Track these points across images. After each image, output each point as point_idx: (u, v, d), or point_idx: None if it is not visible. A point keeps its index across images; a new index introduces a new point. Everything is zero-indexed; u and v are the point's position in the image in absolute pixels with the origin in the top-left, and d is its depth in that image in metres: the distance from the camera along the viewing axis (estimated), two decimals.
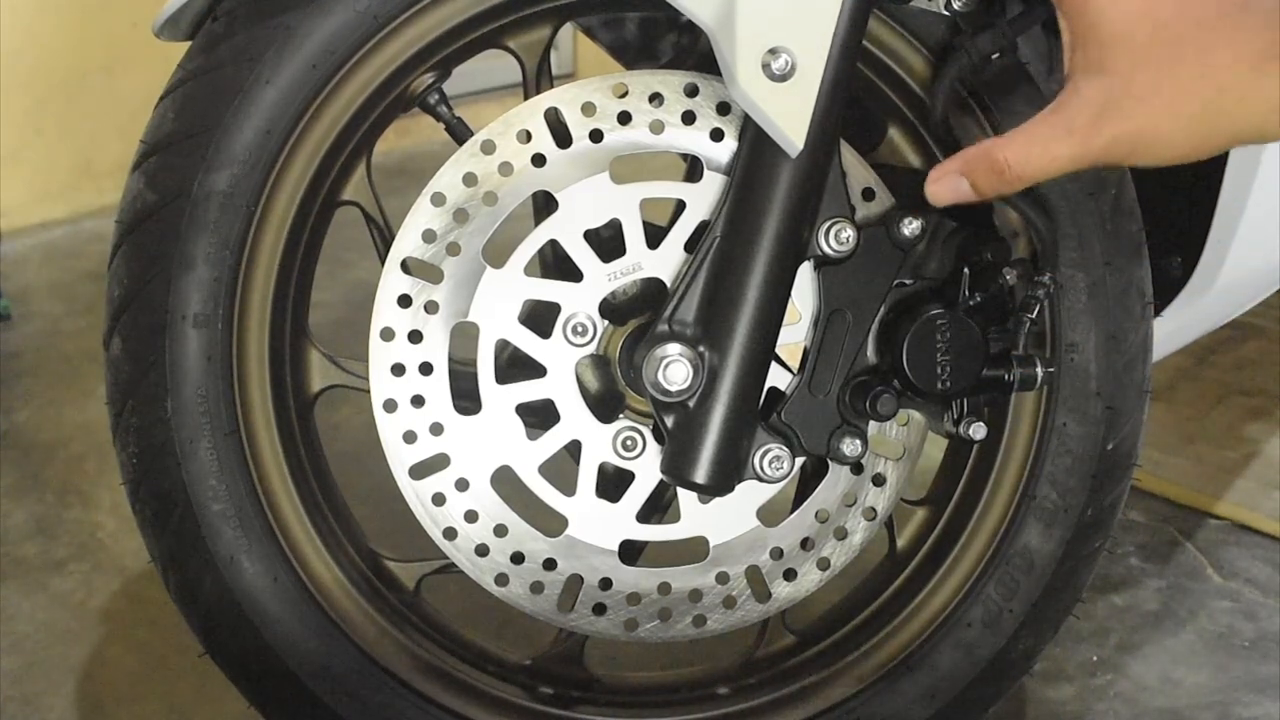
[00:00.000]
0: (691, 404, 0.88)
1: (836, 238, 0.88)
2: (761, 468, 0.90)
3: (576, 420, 0.94)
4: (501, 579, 0.96)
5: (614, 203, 0.92)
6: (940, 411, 0.90)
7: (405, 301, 0.93)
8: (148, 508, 0.95)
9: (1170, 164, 0.72)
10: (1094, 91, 0.73)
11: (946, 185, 0.80)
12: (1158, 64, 0.71)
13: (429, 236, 0.92)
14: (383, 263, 0.94)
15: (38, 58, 2.61)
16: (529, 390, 0.94)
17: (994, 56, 0.90)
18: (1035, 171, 0.76)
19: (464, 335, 0.94)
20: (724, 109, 0.92)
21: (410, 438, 0.94)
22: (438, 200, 0.92)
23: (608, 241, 0.94)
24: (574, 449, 0.95)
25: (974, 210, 0.97)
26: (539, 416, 0.94)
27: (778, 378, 0.92)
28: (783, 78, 0.81)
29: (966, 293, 0.88)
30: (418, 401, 0.94)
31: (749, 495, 0.96)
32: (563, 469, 0.96)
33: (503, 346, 0.94)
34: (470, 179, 0.92)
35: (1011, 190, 0.79)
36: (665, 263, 0.92)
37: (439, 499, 0.95)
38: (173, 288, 0.91)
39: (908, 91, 0.97)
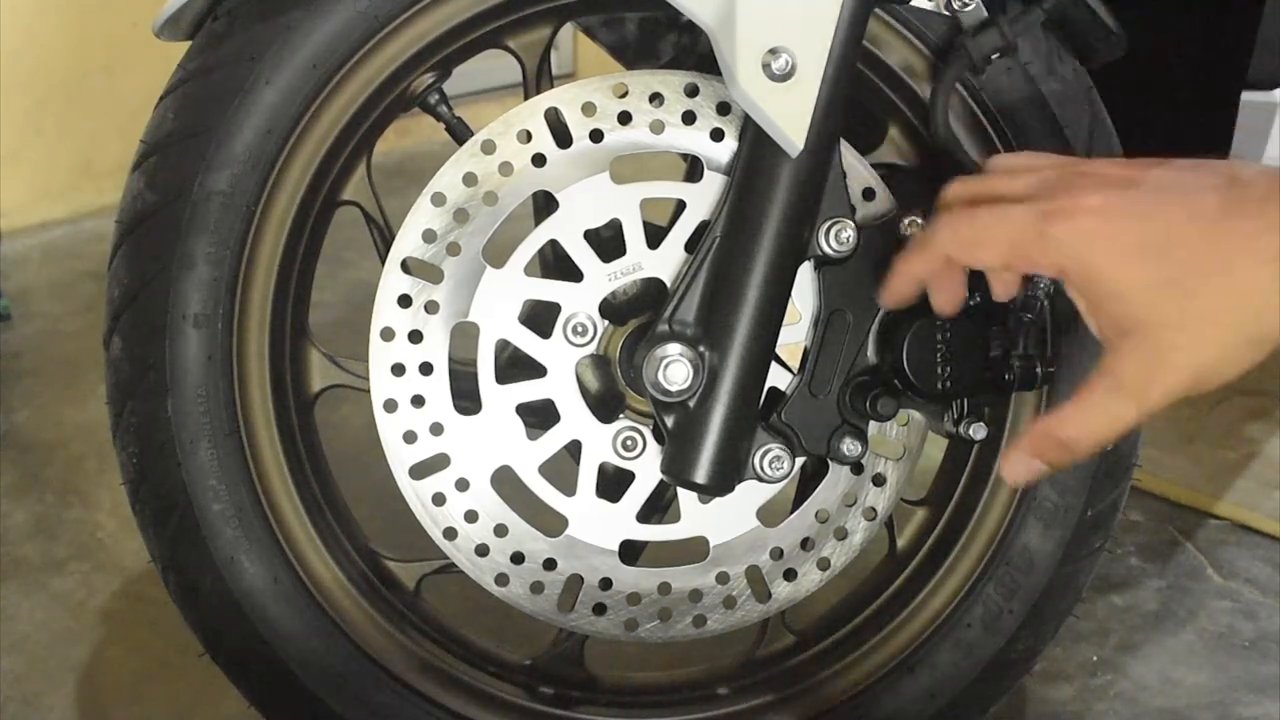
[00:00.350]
0: (692, 404, 0.88)
1: (837, 238, 0.88)
2: (762, 468, 0.90)
3: (577, 420, 0.94)
4: (501, 579, 0.96)
5: (614, 203, 0.92)
6: (940, 412, 0.90)
7: (405, 301, 0.93)
8: (148, 508, 0.95)
9: (1240, 372, 0.70)
10: (1131, 347, 0.70)
11: (1022, 469, 0.77)
12: (1175, 297, 0.68)
13: (429, 236, 0.92)
14: (383, 263, 0.94)
15: (38, 58, 2.61)
16: (529, 390, 0.94)
17: (994, 56, 0.90)
18: (1101, 439, 0.74)
19: (464, 335, 0.94)
20: (724, 109, 0.92)
21: (410, 438, 0.94)
22: (438, 200, 0.92)
23: (608, 241, 0.94)
24: (574, 449, 0.95)
25: None
26: (539, 416, 0.94)
27: (778, 378, 0.92)
28: (783, 78, 0.81)
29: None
30: (418, 401, 0.94)
31: (749, 495, 0.96)
32: (563, 469, 0.96)
33: (503, 346, 0.94)
34: (470, 179, 0.92)
35: (1086, 458, 0.77)
36: (665, 263, 0.92)
37: (439, 499, 0.95)
38: (173, 288, 0.91)
39: (908, 91, 0.97)
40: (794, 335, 0.92)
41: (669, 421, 0.89)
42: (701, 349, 0.87)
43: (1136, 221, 0.69)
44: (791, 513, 0.99)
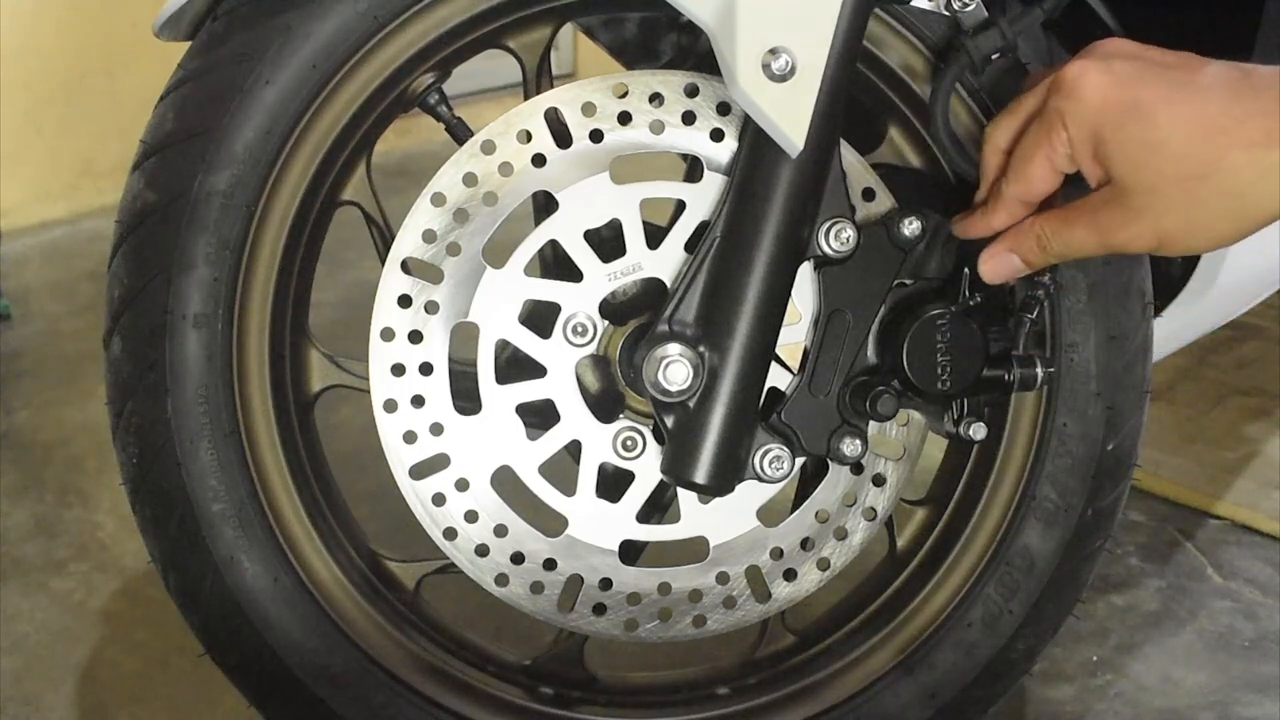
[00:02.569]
0: (692, 404, 0.88)
1: (837, 238, 0.88)
2: (762, 468, 0.90)
3: (577, 420, 0.94)
4: (501, 579, 0.96)
5: (614, 203, 0.92)
6: (940, 412, 0.90)
7: (405, 301, 0.93)
8: (148, 508, 0.95)
9: (1210, 249, 0.77)
10: (1109, 200, 0.78)
11: (1000, 263, 0.85)
12: (1161, 178, 0.74)
13: (429, 236, 0.92)
14: (383, 263, 0.94)
15: (38, 58, 2.61)
16: (529, 390, 0.94)
17: (994, 56, 0.90)
18: (1068, 250, 0.81)
19: (464, 335, 0.94)
20: (724, 109, 0.92)
21: (410, 438, 0.94)
22: (438, 200, 0.92)
23: (608, 241, 0.94)
24: (574, 449, 0.95)
25: None
26: (539, 416, 0.94)
27: (778, 378, 0.91)
28: (783, 78, 0.81)
29: (966, 293, 0.88)
30: (418, 401, 0.94)
31: (749, 495, 0.96)
32: (563, 469, 0.96)
33: (503, 346, 0.94)
34: (470, 179, 0.92)
35: (1056, 261, 0.83)
36: (665, 263, 0.92)
37: (439, 499, 0.95)
38: (173, 288, 0.91)
39: (908, 91, 0.97)
40: (794, 335, 0.92)
41: (669, 421, 0.89)
42: (701, 349, 0.87)
43: (1131, 87, 0.75)
44: (791, 513, 0.99)
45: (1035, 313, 0.89)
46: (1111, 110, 0.75)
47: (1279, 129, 0.70)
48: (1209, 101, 0.72)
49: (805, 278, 0.91)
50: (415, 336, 0.93)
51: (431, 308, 0.93)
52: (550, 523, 0.96)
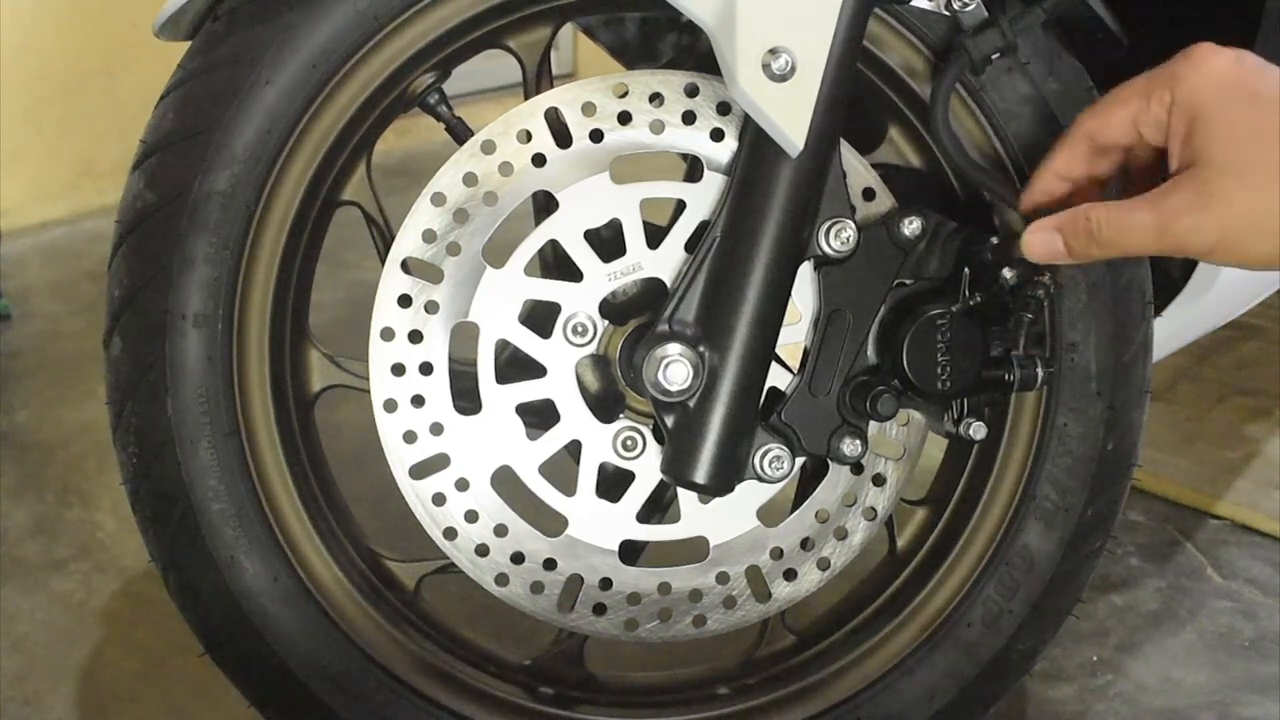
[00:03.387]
0: (692, 404, 0.88)
1: (837, 238, 0.88)
2: (761, 468, 0.90)
3: (577, 420, 0.94)
4: (501, 579, 0.96)
5: (614, 203, 0.92)
6: (940, 411, 0.90)
7: (405, 301, 0.93)
8: (148, 508, 0.95)
9: (1255, 268, 0.75)
10: (1189, 176, 0.75)
11: (1042, 240, 0.82)
12: (1253, 148, 0.73)
13: (429, 236, 0.92)
14: (383, 263, 0.94)
15: (38, 58, 2.61)
16: (529, 390, 0.94)
17: (994, 56, 0.90)
18: (1120, 240, 0.78)
19: (464, 335, 0.94)
20: (724, 109, 0.92)
21: (410, 438, 0.94)
22: (438, 200, 0.92)
23: (608, 241, 0.94)
24: (574, 449, 0.95)
25: (974, 210, 0.98)
26: (539, 416, 0.94)
27: (778, 378, 0.91)
28: (783, 78, 0.81)
29: (966, 293, 0.88)
30: (418, 401, 0.94)
31: (749, 495, 0.96)
32: (563, 469, 0.96)
33: (503, 346, 0.94)
34: (470, 179, 0.92)
35: (1101, 256, 0.80)
36: (665, 263, 0.92)
37: (439, 499, 0.95)
38: (173, 288, 0.91)
39: (908, 91, 0.97)
40: (794, 335, 0.92)
41: (669, 421, 0.89)
42: (701, 349, 0.87)
43: (1257, 75, 0.75)
44: (791, 513, 0.99)
45: (1035, 313, 0.89)
46: (1230, 90, 0.74)
47: None
48: None
49: (805, 278, 0.91)
50: (415, 336, 0.93)
51: (431, 307, 0.93)
52: (550, 523, 0.96)
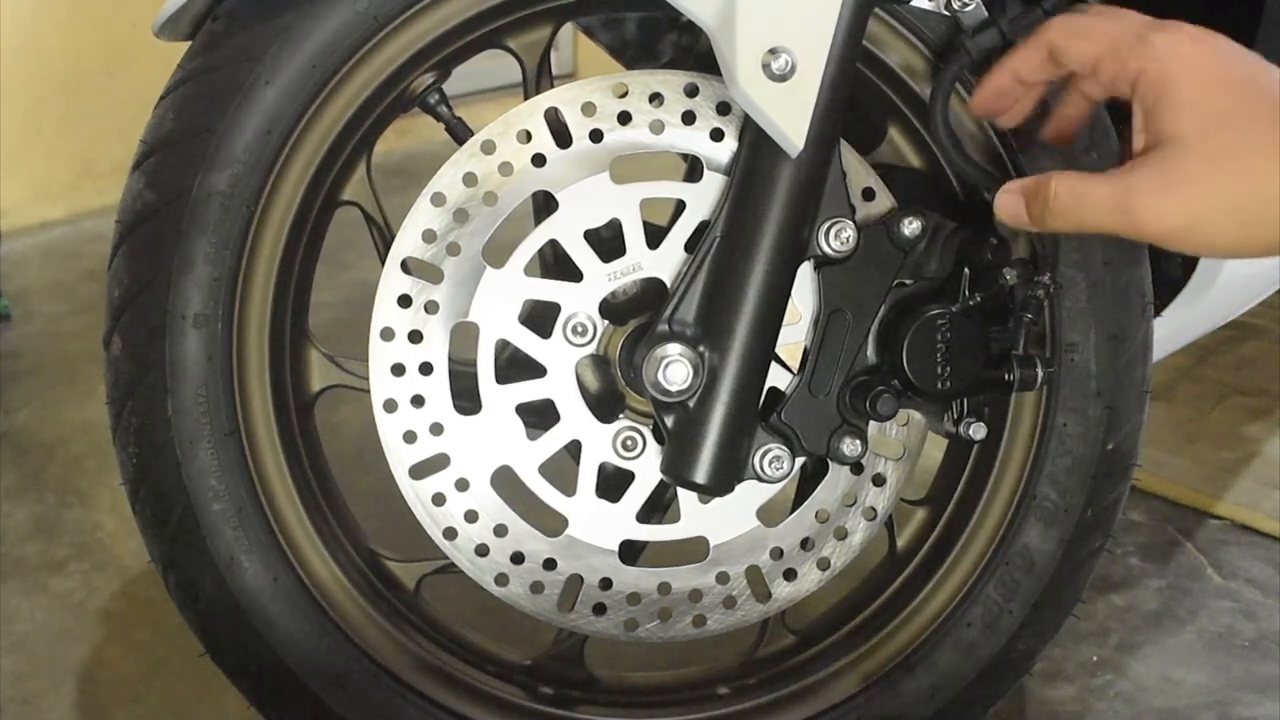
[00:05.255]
0: (691, 404, 0.88)
1: (837, 238, 0.88)
2: (761, 468, 0.90)
3: (576, 420, 0.94)
4: (501, 579, 0.96)
5: (614, 203, 0.92)
6: (940, 411, 0.90)
7: (405, 301, 0.93)
8: (148, 508, 0.95)
9: (1215, 256, 0.73)
10: (1156, 155, 0.73)
11: (1009, 201, 0.81)
12: (1224, 134, 0.70)
13: (429, 236, 0.92)
14: (383, 263, 0.94)
15: (38, 58, 2.61)
16: (529, 390, 0.94)
17: (994, 56, 0.90)
18: (1074, 213, 0.76)
19: (464, 335, 0.94)
20: (724, 109, 0.92)
21: (410, 438, 0.94)
22: (438, 200, 0.92)
23: (608, 241, 0.94)
24: (574, 449, 0.95)
25: (974, 210, 0.98)
26: (539, 416, 0.94)
27: (778, 378, 0.91)
28: (783, 78, 0.81)
29: (966, 293, 0.88)
30: (418, 401, 0.94)
31: (749, 495, 0.96)
32: (563, 469, 0.96)
33: (503, 346, 0.94)
34: (470, 179, 0.92)
35: (1056, 228, 0.78)
36: (665, 263, 0.92)
37: (439, 499, 0.95)
38: (173, 288, 0.91)
39: (908, 91, 0.97)
40: (794, 335, 0.92)
41: (669, 421, 0.89)
42: (701, 349, 0.87)
43: (1229, 58, 0.73)
44: (791, 513, 0.99)
45: (1035, 313, 0.89)
46: (1203, 70, 0.72)
47: None
48: None
49: (805, 278, 0.91)
50: (415, 336, 0.93)
51: (431, 307, 0.93)
52: (550, 523, 0.96)
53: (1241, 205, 0.70)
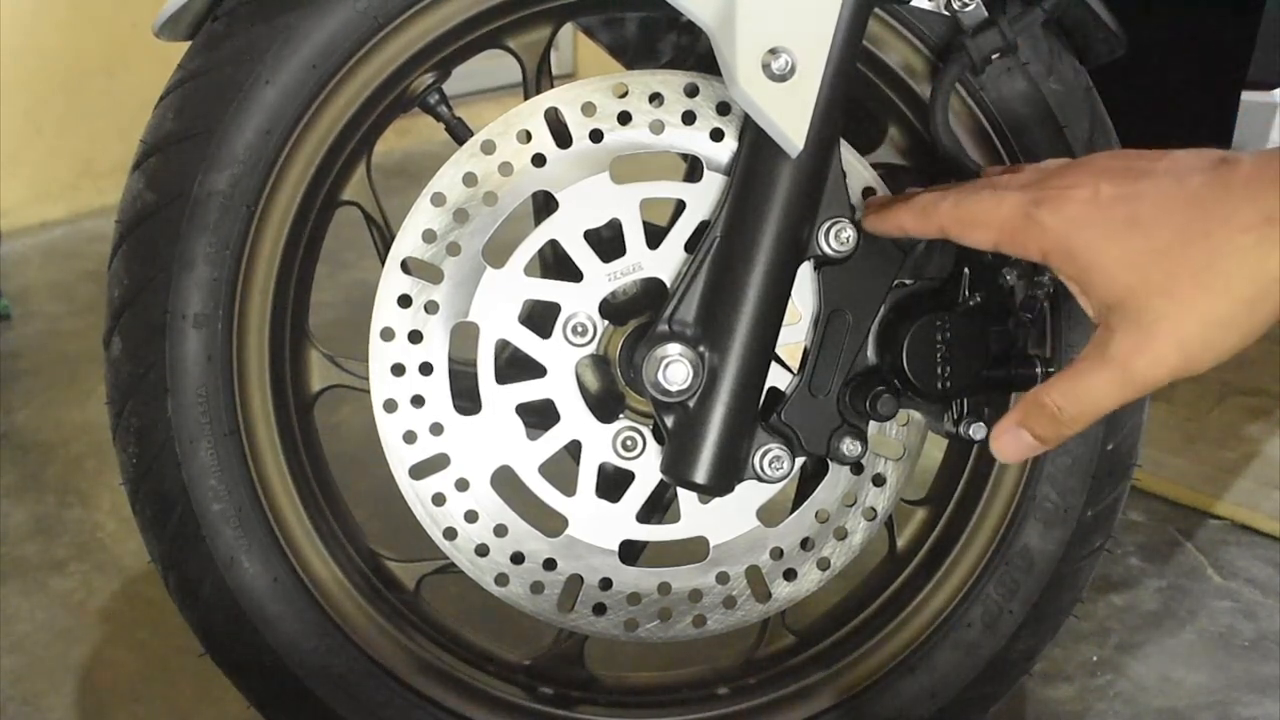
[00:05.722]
0: (691, 404, 0.88)
1: (837, 238, 0.88)
2: (761, 468, 0.90)
3: (576, 420, 0.94)
4: (501, 579, 0.96)
5: (614, 203, 0.92)
6: (940, 412, 0.90)
7: (405, 301, 0.93)
8: (148, 508, 0.95)
9: (1227, 357, 0.71)
10: (1119, 319, 0.72)
11: (1010, 441, 0.79)
12: (1161, 265, 0.69)
13: (429, 236, 0.92)
14: (383, 263, 0.94)
15: (38, 58, 2.61)
16: (529, 390, 0.94)
17: (994, 56, 0.90)
18: (1085, 408, 0.75)
19: (464, 335, 0.94)
20: (724, 109, 0.92)
21: (410, 438, 0.94)
22: (438, 200, 0.92)
23: (608, 241, 0.94)
24: (574, 449, 0.95)
25: None
26: (539, 416, 0.94)
27: (778, 378, 0.91)
28: (783, 78, 0.81)
29: (966, 293, 0.88)
30: (418, 401, 0.94)
31: (749, 495, 0.96)
32: (563, 469, 0.96)
33: (503, 346, 0.94)
34: (470, 179, 0.92)
35: (1073, 432, 0.77)
36: (665, 263, 0.92)
37: (439, 499, 0.95)
38: (173, 288, 0.91)
39: (908, 91, 0.97)
40: (794, 335, 0.92)
41: (669, 421, 0.89)
42: (701, 349, 0.87)
43: (1123, 203, 0.71)
44: (791, 513, 0.99)
45: (1035, 313, 0.89)
46: (1106, 228, 0.71)
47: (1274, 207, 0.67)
48: (1199, 200, 0.69)
49: (805, 278, 0.91)
50: (415, 336, 0.93)
51: (431, 308, 0.93)
52: (550, 523, 0.96)
53: (1222, 312, 0.69)
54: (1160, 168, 0.72)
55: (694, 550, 0.98)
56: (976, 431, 0.89)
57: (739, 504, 0.96)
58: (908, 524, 1.07)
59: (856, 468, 0.98)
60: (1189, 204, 0.69)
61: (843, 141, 0.89)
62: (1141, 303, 0.70)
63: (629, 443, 0.94)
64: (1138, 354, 0.71)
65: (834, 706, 1.03)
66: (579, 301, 0.92)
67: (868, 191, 0.94)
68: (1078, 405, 0.75)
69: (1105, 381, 0.73)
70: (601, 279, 0.93)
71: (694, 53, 1.22)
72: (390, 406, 0.94)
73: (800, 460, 0.93)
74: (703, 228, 0.91)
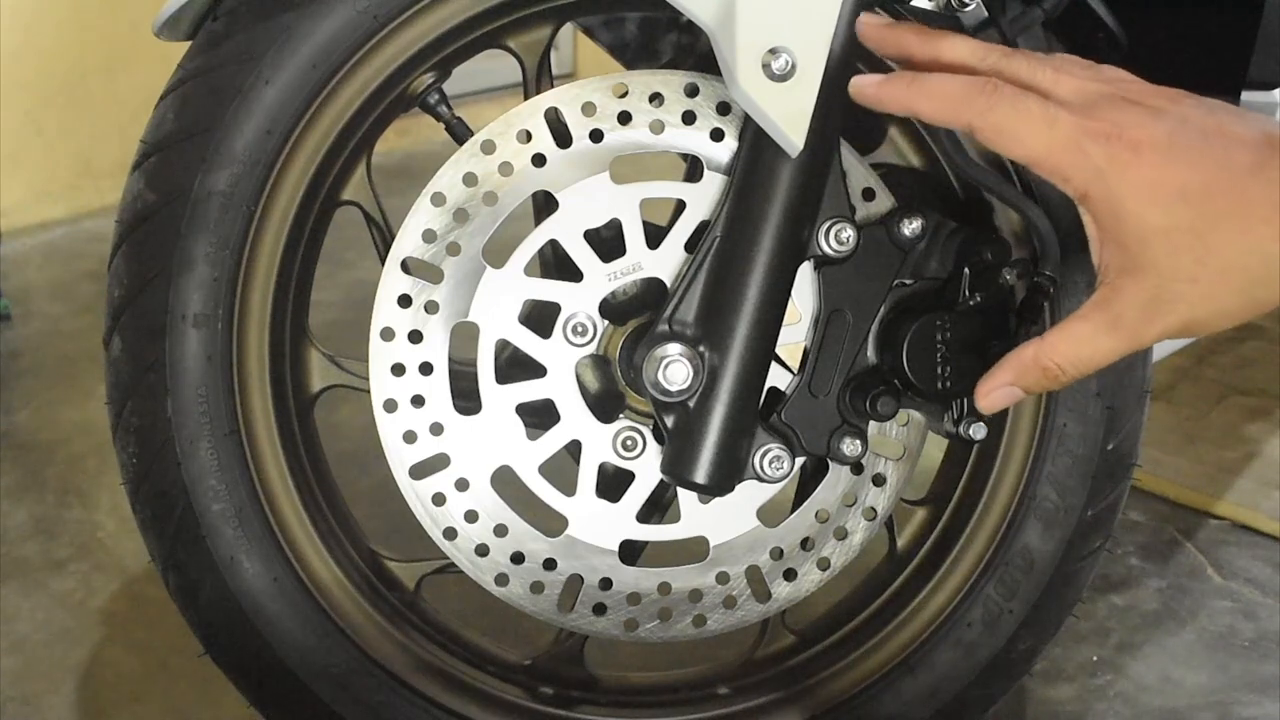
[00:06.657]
0: (692, 404, 0.88)
1: (836, 238, 0.88)
2: (761, 468, 0.90)
3: (576, 420, 0.94)
4: (501, 579, 0.96)
5: (614, 203, 0.92)
6: (940, 411, 0.90)
7: (405, 301, 0.93)
8: (148, 508, 0.95)
9: (1228, 327, 0.72)
10: (1136, 288, 0.71)
11: (1000, 397, 0.80)
12: (1195, 249, 0.69)
13: (429, 236, 0.92)
14: (383, 263, 0.94)
15: (38, 58, 2.61)
16: (529, 390, 0.94)
17: None
18: (1087, 369, 0.76)
19: (464, 335, 0.94)
20: (724, 109, 0.92)
21: (410, 438, 0.94)
22: (438, 200, 0.92)
23: (608, 241, 0.94)
24: (574, 449, 0.95)
25: (974, 210, 0.98)
26: (539, 416, 0.94)
27: (778, 378, 0.91)
28: (783, 78, 0.81)
29: (966, 293, 0.88)
30: (418, 401, 0.94)
31: (749, 495, 0.96)
32: (563, 469, 0.96)
33: (503, 346, 0.94)
34: (470, 179, 0.92)
35: (1063, 387, 0.79)
36: (665, 263, 0.92)
37: (439, 499, 0.95)
38: (173, 288, 0.91)
39: None
40: (794, 335, 0.92)
41: (669, 421, 0.89)
42: (701, 349, 0.87)
43: (1176, 169, 0.69)
44: (791, 513, 0.99)
45: (1035, 313, 0.89)
46: (1159, 192, 0.69)
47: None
48: (1243, 189, 0.68)
49: (805, 278, 0.91)
50: (415, 336, 0.93)
51: (431, 307, 0.93)
52: (550, 523, 0.96)
53: (1234, 307, 0.70)
54: (1210, 127, 0.70)
55: (694, 550, 0.98)
56: (976, 431, 0.88)
57: (739, 504, 0.96)
58: (908, 524, 1.07)
59: (856, 468, 0.98)
60: (1232, 190, 0.68)
61: (843, 141, 0.89)
62: (1166, 282, 0.70)
63: (629, 443, 0.94)
64: (1148, 325, 0.72)
65: (834, 706, 1.03)
66: (579, 301, 0.92)
67: (868, 192, 0.94)
68: (1081, 367, 0.76)
69: (1111, 347, 0.74)
70: (601, 279, 0.93)
71: (694, 53, 1.22)
72: (390, 406, 0.94)
73: (800, 460, 0.93)
74: (703, 228, 0.91)
